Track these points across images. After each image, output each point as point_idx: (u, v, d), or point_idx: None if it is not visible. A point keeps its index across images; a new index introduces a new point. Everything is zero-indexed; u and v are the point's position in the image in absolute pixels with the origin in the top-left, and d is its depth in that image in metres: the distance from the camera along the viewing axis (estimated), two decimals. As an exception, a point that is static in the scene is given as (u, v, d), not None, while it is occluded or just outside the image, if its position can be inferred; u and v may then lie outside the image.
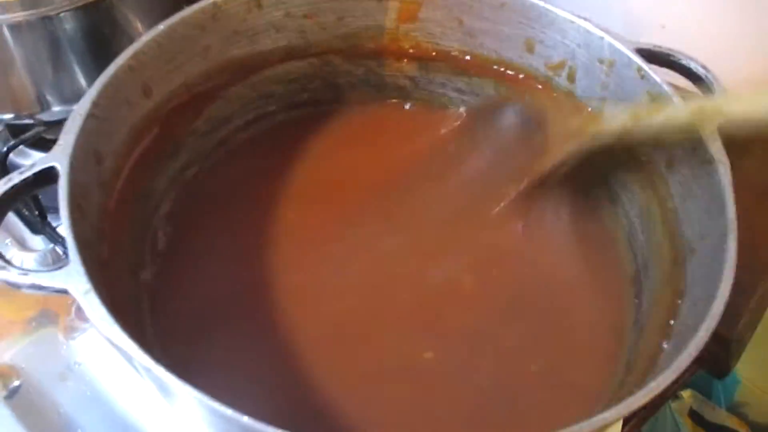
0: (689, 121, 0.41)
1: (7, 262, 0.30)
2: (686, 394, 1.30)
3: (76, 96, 0.57)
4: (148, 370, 0.28)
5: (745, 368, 1.25)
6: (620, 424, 0.56)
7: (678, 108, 0.42)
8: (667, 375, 0.29)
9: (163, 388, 0.31)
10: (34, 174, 0.34)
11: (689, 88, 0.46)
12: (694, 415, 1.29)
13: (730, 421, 1.28)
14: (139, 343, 0.29)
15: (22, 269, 0.30)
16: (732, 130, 0.40)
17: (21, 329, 0.53)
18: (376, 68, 0.55)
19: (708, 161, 0.39)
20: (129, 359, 0.31)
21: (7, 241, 0.58)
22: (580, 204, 0.52)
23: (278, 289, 0.45)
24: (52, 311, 0.54)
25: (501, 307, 0.46)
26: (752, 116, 0.39)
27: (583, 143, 0.45)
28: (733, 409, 1.30)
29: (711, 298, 0.33)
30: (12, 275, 0.30)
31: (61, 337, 0.53)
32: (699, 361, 0.61)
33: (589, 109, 0.47)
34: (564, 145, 0.46)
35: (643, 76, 0.45)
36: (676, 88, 0.44)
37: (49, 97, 0.57)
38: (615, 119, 0.44)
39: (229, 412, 0.27)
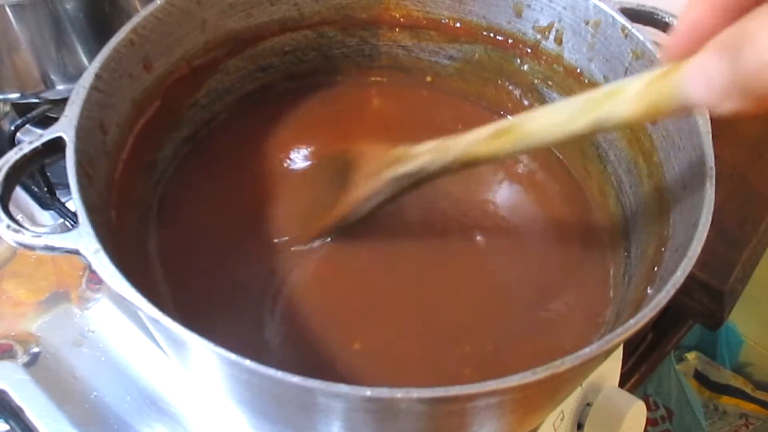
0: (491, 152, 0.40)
1: (21, 226, 0.32)
2: (691, 356, 1.32)
3: (79, 74, 0.57)
4: (156, 321, 0.30)
5: (748, 329, 1.27)
6: (617, 376, 0.58)
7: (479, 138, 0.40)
8: (645, 312, 0.31)
9: (172, 339, 0.33)
10: (43, 144, 0.35)
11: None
12: (700, 376, 1.31)
13: (735, 381, 1.30)
14: (147, 298, 0.31)
15: (35, 232, 0.32)
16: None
17: (33, 311, 0.55)
18: (370, 38, 0.56)
19: (688, 113, 0.41)
20: (143, 316, 0.32)
21: (19, 216, 0.60)
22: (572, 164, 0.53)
23: (277, 252, 0.46)
24: (63, 294, 0.56)
25: (499, 260, 0.48)
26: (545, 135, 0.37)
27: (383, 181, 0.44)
28: (738, 369, 1.32)
29: (690, 240, 0.34)
30: (26, 238, 0.32)
31: (74, 308, 0.55)
32: (694, 314, 0.63)
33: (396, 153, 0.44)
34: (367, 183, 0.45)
35: (627, 35, 0.46)
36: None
37: (53, 76, 0.59)
38: (416, 159, 0.42)
39: (232, 356, 0.28)
